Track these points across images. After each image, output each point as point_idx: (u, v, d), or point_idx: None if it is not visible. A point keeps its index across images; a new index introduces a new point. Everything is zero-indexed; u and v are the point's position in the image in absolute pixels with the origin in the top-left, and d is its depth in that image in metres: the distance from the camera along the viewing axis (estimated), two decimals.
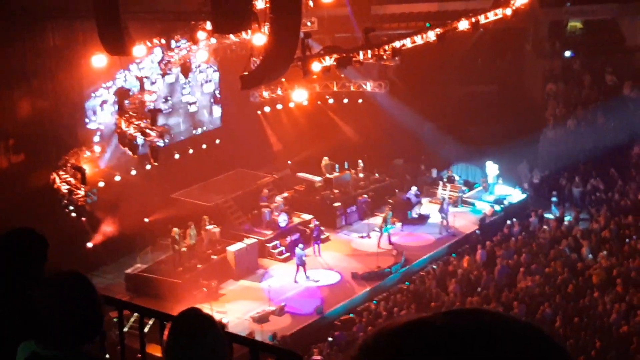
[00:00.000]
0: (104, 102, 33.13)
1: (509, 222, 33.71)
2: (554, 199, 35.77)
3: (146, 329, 5.77)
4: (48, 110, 30.69)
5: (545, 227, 33.13)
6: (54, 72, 30.84)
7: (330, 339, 26.48)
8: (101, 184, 32.24)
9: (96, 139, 33.22)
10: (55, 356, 3.82)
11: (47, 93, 30.62)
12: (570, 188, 36.32)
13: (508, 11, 33.06)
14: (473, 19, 31.76)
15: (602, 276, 28.04)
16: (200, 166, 36.42)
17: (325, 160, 37.19)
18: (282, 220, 33.18)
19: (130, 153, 30.96)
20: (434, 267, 31.65)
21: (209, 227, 31.90)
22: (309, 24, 35.83)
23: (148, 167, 33.68)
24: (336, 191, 36.21)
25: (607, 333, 24.70)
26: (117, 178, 33.25)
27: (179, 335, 3.87)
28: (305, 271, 30.52)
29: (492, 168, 37.03)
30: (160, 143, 29.93)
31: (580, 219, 33.68)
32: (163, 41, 31.65)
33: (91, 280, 3.97)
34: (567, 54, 41.20)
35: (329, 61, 28.08)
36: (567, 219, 33.76)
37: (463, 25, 31.54)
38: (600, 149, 37.17)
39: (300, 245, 31.19)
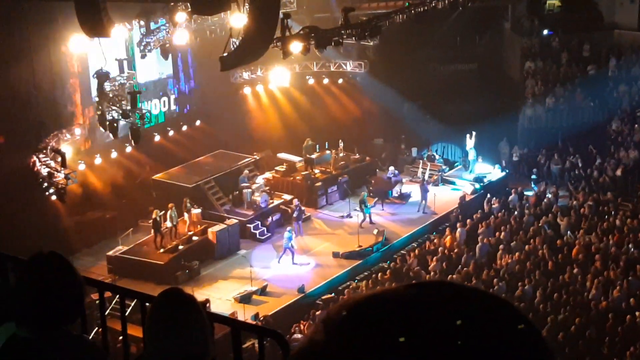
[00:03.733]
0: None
1: (488, 199, 33.83)
2: (533, 176, 35.97)
3: (128, 311, 5.79)
4: (28, 93, 30.51)
5: (524, 204, 33.31)
6: (33, 55, 30.65)
7: (310, 320, 26.59)
8: (82, 167, 32.17)
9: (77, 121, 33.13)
10: (36, 338, 3.79)
11: (27, 76, 30.41)
12: (549, 165, 36.53)
13: None
14: None
15: (581, 253, 28.27)
16: (181, 148, 36.39)
17: (308, 141, 37.24)
18: (263, 200, 33.22)
19: (110, 135, 30.95)
20: (415, 245, 31.81)
21: (189, 208, 31.90)
22: (288, 4, 35.79)
23: (128, 149, 33.61)
24: (317, 171, 36.27)
25: (586, 309, 24.91)
26: (98, 160, 33.17)
27: (159, 316, 3.88)
28: (293, 256, 30.53)
29: (470, 143, 37.00)
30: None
31: (559, 196, 33.90)
32: (142, 23, 31.53)
33: (71, 262, 3.94)
34: (546, 31, 41.33)
35: (308, 41, 28.05)
36: (546, 196, 33.95)
37: (442, 4, 31.57)
38: (578, 126, 37.41)
39: (289, 229, 31.10)
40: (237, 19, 24.85)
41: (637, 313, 23.96)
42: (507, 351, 1.47)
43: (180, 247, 30.61)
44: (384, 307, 1.51)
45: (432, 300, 1.51)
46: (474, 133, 36.42)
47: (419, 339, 1.45)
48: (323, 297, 28.34)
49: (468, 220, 31.90)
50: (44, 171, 29.17)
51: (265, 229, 32.72)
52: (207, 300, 25.90)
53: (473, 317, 1.48)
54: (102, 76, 31.27)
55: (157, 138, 35.89)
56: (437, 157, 38.41)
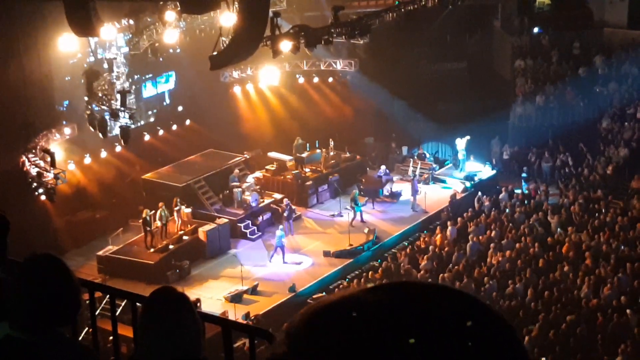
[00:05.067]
0: None
1: (479, 198, 33.83)
2: (524, 174, 35.97)
3: (118, 311, 5.75)
4: (17, 92, 30.37)
5: (515, 202, 33.32)
6: (22, 54, 30.52)
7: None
8: (71, 167, 32.07)
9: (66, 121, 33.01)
10: (28, 339, 3.77)
11: (16, 75, 30.28)
12: (540, 163, 36.54)
13: None
14: None
15: (572, 250, 28.29)
16: (171, 147, 36.30)
17: (298, 139, 37.17)
18: (254, 199, 33.16)
19: (100, 135, 30.84)
20: (406, 244, 31.80)
21: (180, 207, 31.82)
22: (277, 2, 35.72)
23: (118, 148, 33.52)
24: (307, 170, 36.23)
25: (577, 307, 24.92)
26: (87, 160, 33.06)
27: (151, 315, 3.83)
28: (283, 255, 30.48)
29: (461, 144, 37.02)
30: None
31: (549, 194, 33.91)
32: (132, 22, 31.42)
33: (65, 263, 3.92)
34: (536, 30, 41.34)
35: (298, 40, 28.00)
36: (537, 194, 33.96)
37: (432, 2, 31.53)
38: (569, 124, 37.46)
39: (281, 227, 31.08)
40: (227, 18, 24.81)
41: (627, 311, 23.98)
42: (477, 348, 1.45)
43: (171, 246, 30.55)
44: (343, 315, 1.49)
45: (391, 304, 1.48)
46: (467, 137, 36.31)
47: (381, 347, 1.42)
48: (314, 296, 28.28)
49: (459, 219, 31.90)
50: (34, 171, 29.06)
51: (255, 228, 32.68)
52: (198, 300, 25.87)
53: (436, 316, 1.45)
54: (91, 75, 31.17)
55: (147, 137, 35.81)
56: (427, 155, 38.40)
